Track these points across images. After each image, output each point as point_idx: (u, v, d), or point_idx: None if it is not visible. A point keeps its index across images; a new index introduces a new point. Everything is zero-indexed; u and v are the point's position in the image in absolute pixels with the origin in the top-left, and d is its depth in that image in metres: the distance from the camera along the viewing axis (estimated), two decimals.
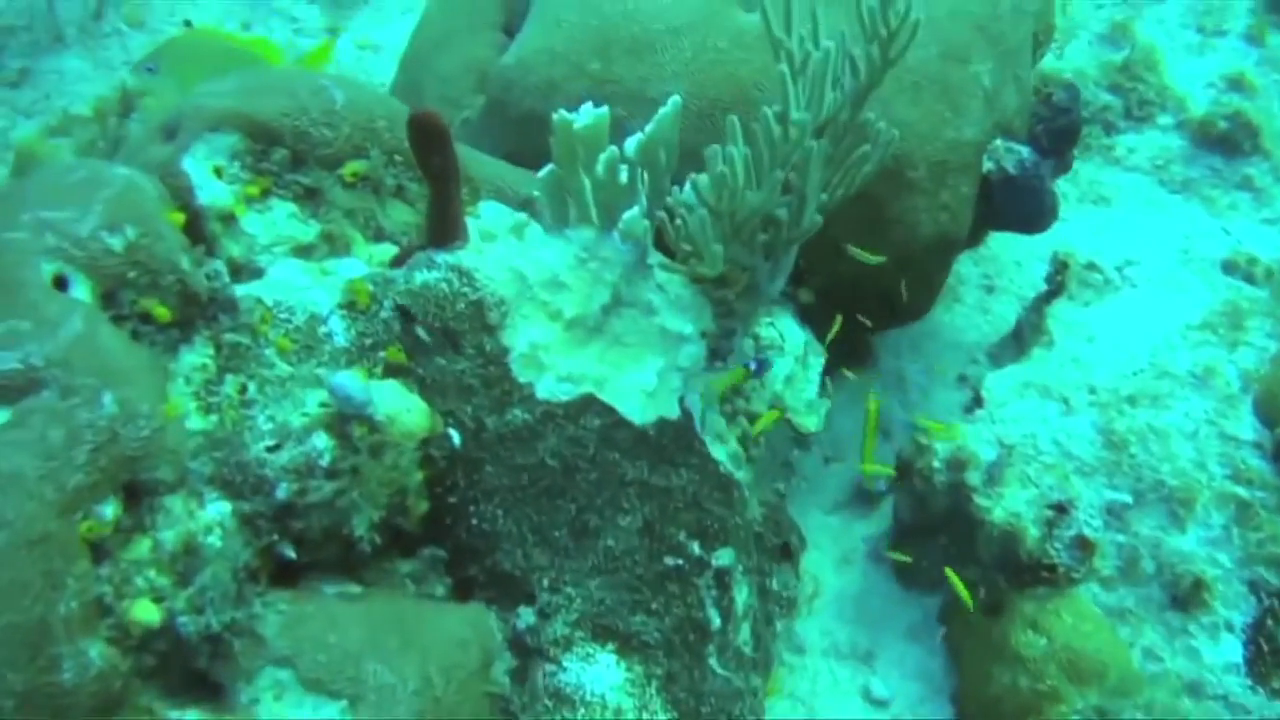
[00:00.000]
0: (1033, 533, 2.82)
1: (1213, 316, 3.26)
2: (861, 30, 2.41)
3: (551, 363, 2.33)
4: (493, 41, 3.33)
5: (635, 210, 2.33)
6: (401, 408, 2.14)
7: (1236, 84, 4.58)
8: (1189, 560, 2.86)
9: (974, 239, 3.37)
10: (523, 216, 2.50)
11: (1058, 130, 3.36)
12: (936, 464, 2.97)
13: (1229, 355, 3.16)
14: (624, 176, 2.35)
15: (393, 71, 3.74)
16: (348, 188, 2.52)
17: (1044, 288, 3.52)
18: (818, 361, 2.99)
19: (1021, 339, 3.52)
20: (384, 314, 2.29)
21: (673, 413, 2.40)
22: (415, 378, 2.27)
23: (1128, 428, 3.01)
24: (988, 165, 3.16)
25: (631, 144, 2.34)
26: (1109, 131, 4.45)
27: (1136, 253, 3.95)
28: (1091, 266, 3.43)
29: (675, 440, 2.38)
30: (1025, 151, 3.17)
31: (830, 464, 3.45)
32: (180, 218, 2.25)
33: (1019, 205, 3.20)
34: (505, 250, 2.43)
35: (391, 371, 2.26)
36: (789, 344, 2.91)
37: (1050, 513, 2.86)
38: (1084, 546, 2.85)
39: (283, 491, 2.01)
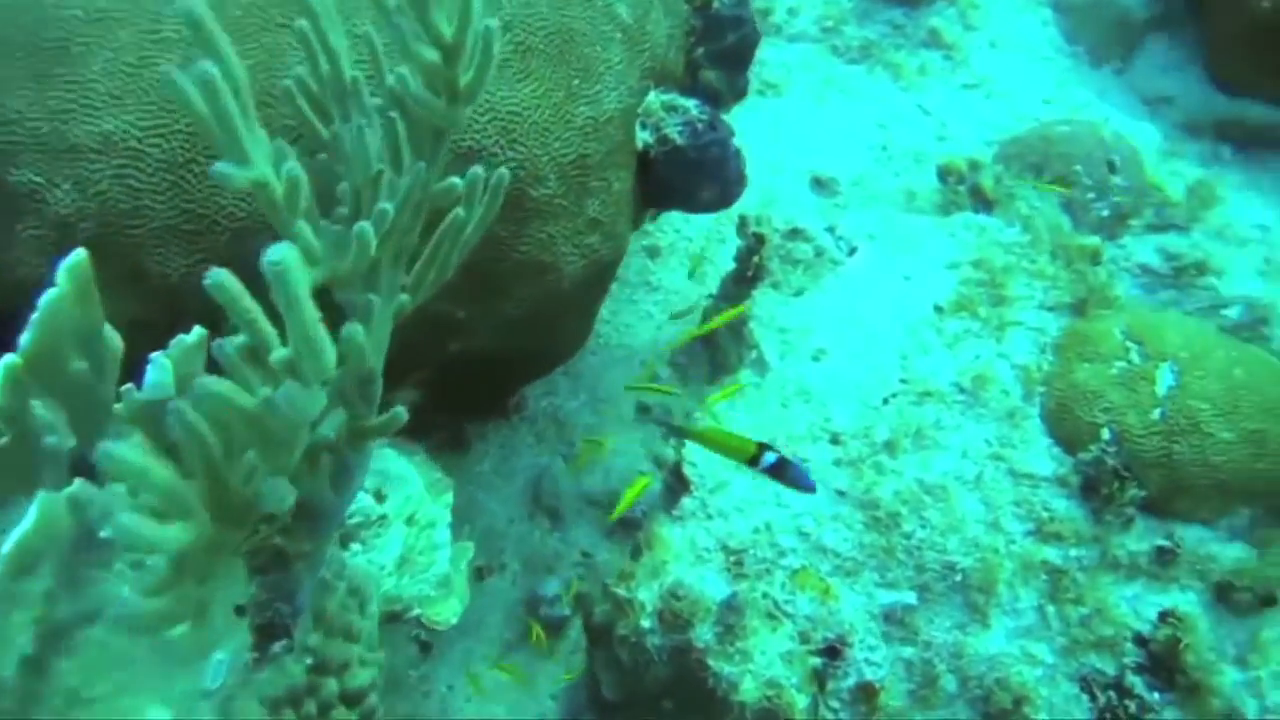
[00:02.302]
0: (800, 704, 1.99)
1: (965, 287, 2.46)
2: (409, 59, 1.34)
3: None
4: None
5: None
6: None
7: None
8: (999, 665, 2.12)
9: (635, 224, 2.40)
10: None
11: (727, 53, 2.40)
12: (645, 623, 2.06)
13: (998, 347, 2.38)
14: None
15: None
16: None
17: (733, 266, 2.62)
18: (444, 508, 1.98)
19: (715, 345, 2.63)
20: None
21: None
22: None
23: (894, 493, 2.19)
24: (644, 137, 2.17)
25: None
26: None
27: (826, 160, 3.13)
28: (796, 234, 2.54)
29: None
30: (693, 106, 2.19)
31: (486, 579, 2.49)
32: None
33: (695, 184, 2.25)
34: None
35: None
36: (395, 503, 1.89)
37: (818, 661, 2.04)
38: (869, 695, 2.05)
39: None
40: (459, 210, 1.50)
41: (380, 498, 1.86)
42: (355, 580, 1.72)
